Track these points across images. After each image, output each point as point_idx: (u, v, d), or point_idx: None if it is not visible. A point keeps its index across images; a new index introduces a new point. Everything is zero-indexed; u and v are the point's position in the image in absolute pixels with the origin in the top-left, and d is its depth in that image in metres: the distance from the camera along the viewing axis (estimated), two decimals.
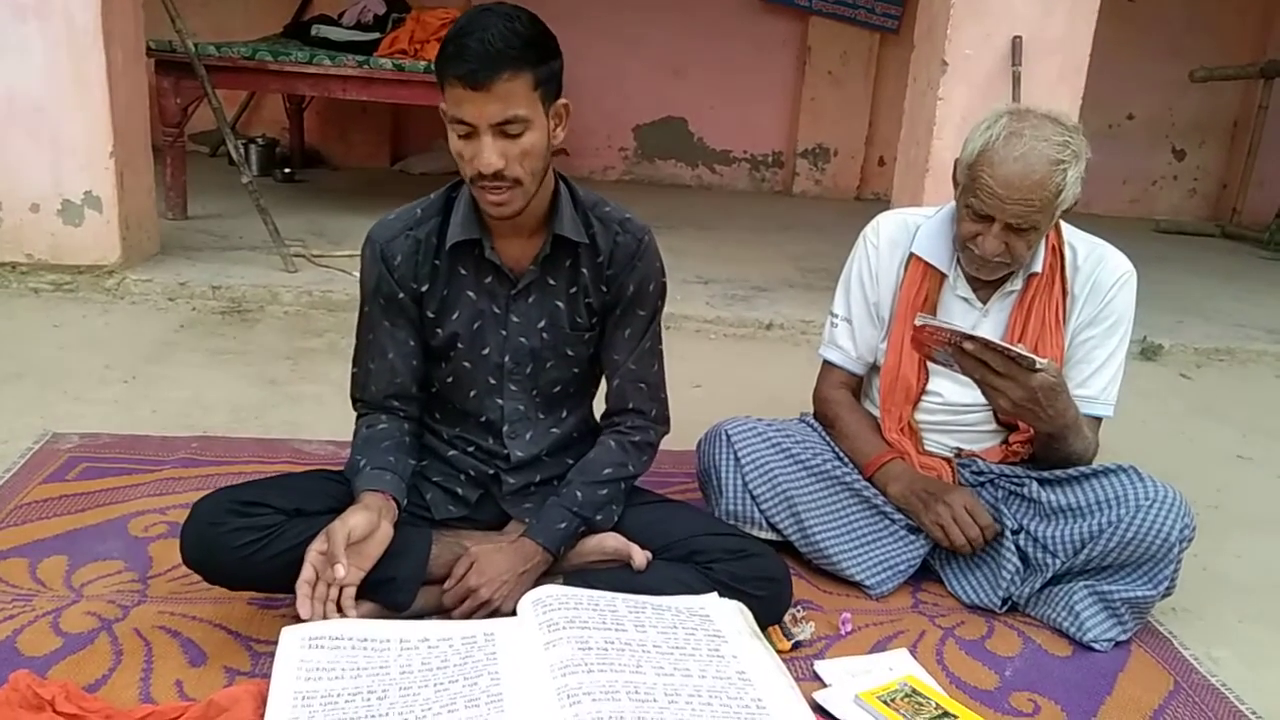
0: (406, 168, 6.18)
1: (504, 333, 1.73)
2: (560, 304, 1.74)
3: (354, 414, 1.83)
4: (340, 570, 1.51)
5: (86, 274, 3.47)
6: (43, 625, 1.63)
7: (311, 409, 2.66)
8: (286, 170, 5.59)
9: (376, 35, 4.86)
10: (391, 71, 4.38)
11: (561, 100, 1.59)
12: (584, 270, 1.73)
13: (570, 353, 1.78)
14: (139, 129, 3.62)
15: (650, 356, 1.82)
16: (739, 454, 1.96)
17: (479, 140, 1.52)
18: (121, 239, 3.49)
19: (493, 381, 1.76)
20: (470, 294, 1.72)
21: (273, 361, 3.00)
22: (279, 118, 6.07)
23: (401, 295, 1.71)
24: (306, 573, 1.51)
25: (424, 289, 1.71)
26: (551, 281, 1.73)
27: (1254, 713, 1.68)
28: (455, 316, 1.72)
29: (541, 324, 1.74)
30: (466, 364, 1.75)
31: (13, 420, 2.42)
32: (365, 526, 1.56)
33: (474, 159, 1.53)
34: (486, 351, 1.74)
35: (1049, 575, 1.87)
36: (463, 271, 1.71)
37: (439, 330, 1.73)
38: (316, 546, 1.53)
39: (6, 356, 2.85)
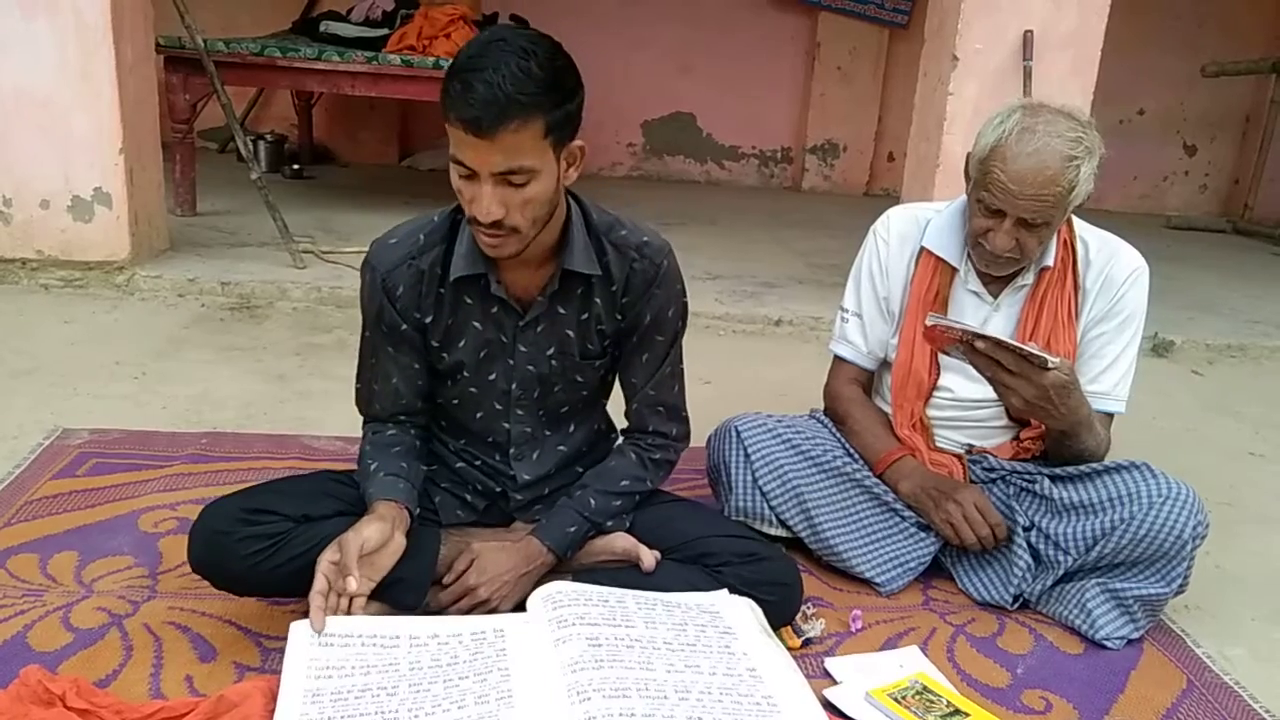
0: (415, 164, 6.19)
1: (511, 361, 1.69)
2: (570, 332, 1.68)
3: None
4: (353, 584, 1.49)
5: (96, 270, 3.48)
6: (53, 621, 1.63)
7: (321, 405, 2.66)
8: (295, 166, 5.60)
9: (385, 31, 4.85)
10: (400, 67, 4.38)
11: (577, 142, 1.49)
12: (596, 299, 1.66)
13: (580, 379, 1.74)
14: (148, 125, 3.63)
15: (670, 380, 1.77)
16: (749, 450, 1.95)
17: (478, 186, 1.43)
18: (131, 235, 3.49)
19: (499, 407, 1.73)
20: (476, 324, 1.66)
21: (282, 357, 3.00)
22: (287, 114, 6.08)
23: (404, 326, 1.65)
24: (319, 584, 1.49)
25: (428, 320, 1.65)
26: (561, 310, 1.66)
27: (1268, 711, 1.67)
28: (461, 345, 1.67)
29: (550, 351, 1.69)
30: (473, 389, 1.72)
31: (23, 416, 2.42)
32: (379, 538, 1.53)
33: (473, 202, 1.44)
34: (493, 378, 1.70)
35: (1061, 572, 1.86)
36: (468, 301, 1.65)
37: (444, 356, 1.69)
38: (329, 557, 1.50)
39: (17, 352, 2.85)
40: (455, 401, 1.75)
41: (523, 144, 1.40)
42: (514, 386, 1.71)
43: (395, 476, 1.65)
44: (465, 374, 1.70)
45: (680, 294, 1.73)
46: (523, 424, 1.75)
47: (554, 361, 1.70)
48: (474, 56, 1.39)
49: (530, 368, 1.69)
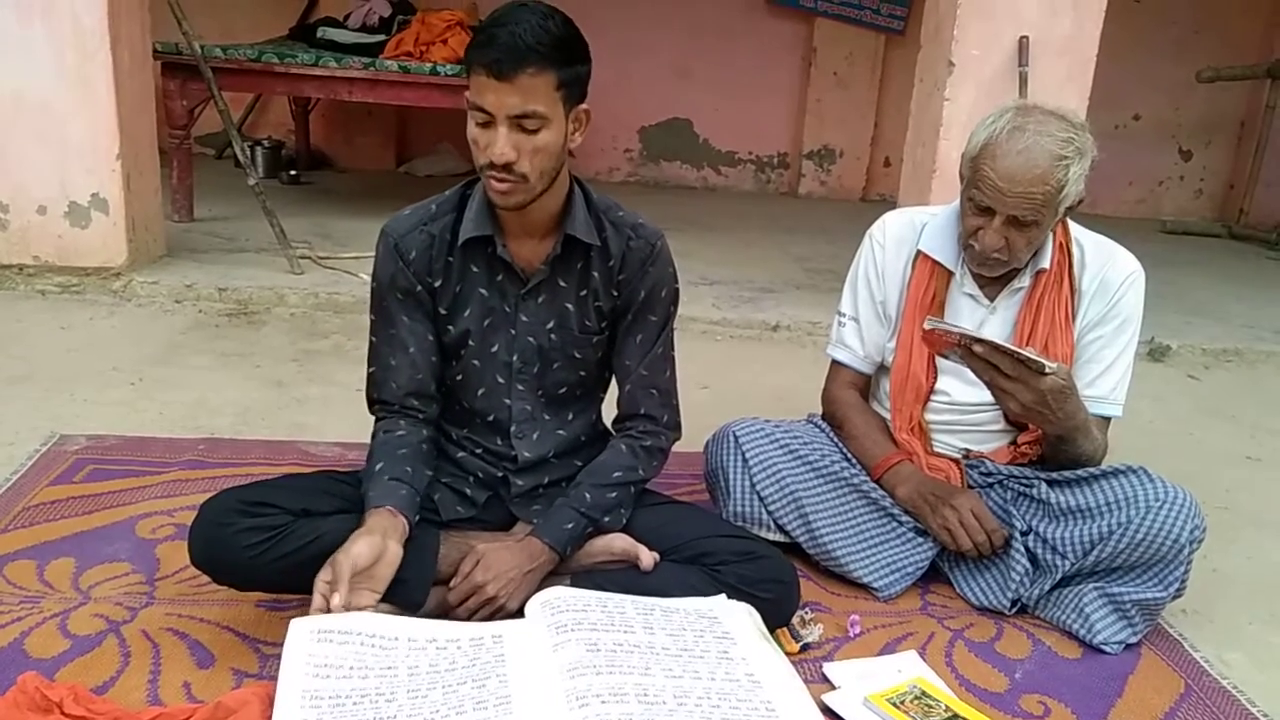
0: (412, 170, 6.19)
1: (513, 331, 1.74)
2: (570, 306, 1.74)
3: (369, 417, 1.81)
4: (337, 599, 1.49)
5: (93, 276, 3.48)
6: (50, 627, 1.63)
7: (318, 411, 2.66)
8: (292, 172, 5.60)
9: (382, 37, 4.86)
10: (397, 73, 4.38)
11: (583, 106, 1.61)
12: (595, 273, 1.73)
13: (577, 355, 1.78)
14: (145, 131, 3.63)
15: (662, 362, 1.81)
16: (747, 455, 1.95)
17: (494, 130, 1.53)
18: (128, 241, 3.49)
19: (500, 380, 1.77)
20: (482, 291, 1.72)
21: (279, 363, 3.00)
22: (285, 120, 6.08)
23: (419, 288, 1.71)
24: (317, 601, 1.51)
25: (437, 284, 1.72)
26: (562, 283, 1.73)
27: (1265, 715, 1.67)
28: (467, 313, 1.73)
29: (550, 324, 1.74)
30: (476, 362, 1.76)
31: (20, 422, 2.42)
32: (370, 553, 1.54)
33: (487, 147, 1.54)
34: (495, 349, 1.75)
35: (1058, 577, 1.86)
36: (474, 269, 1.71)
37: (451, 327, 1.74)
38: (323, 576, 1.52)
39: (14, 358, 2.85)
40: (459, 378, 1.78)
41: (537, 89, 1.51)
42: (515, 358, 1.75)
43: (397, 481, 1.66)
44: (471, 343, 1.74)
45: (673, 277, 1.80)
46: (523, 401, 1.78)
47: (553, 335, 1.74)
48: (499, 15, 1.53)
49: (530, 339, 1.74)
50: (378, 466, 1.69)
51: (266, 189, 3.95)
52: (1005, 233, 1.79)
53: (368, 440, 1.77)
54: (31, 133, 3.34)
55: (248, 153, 4.08)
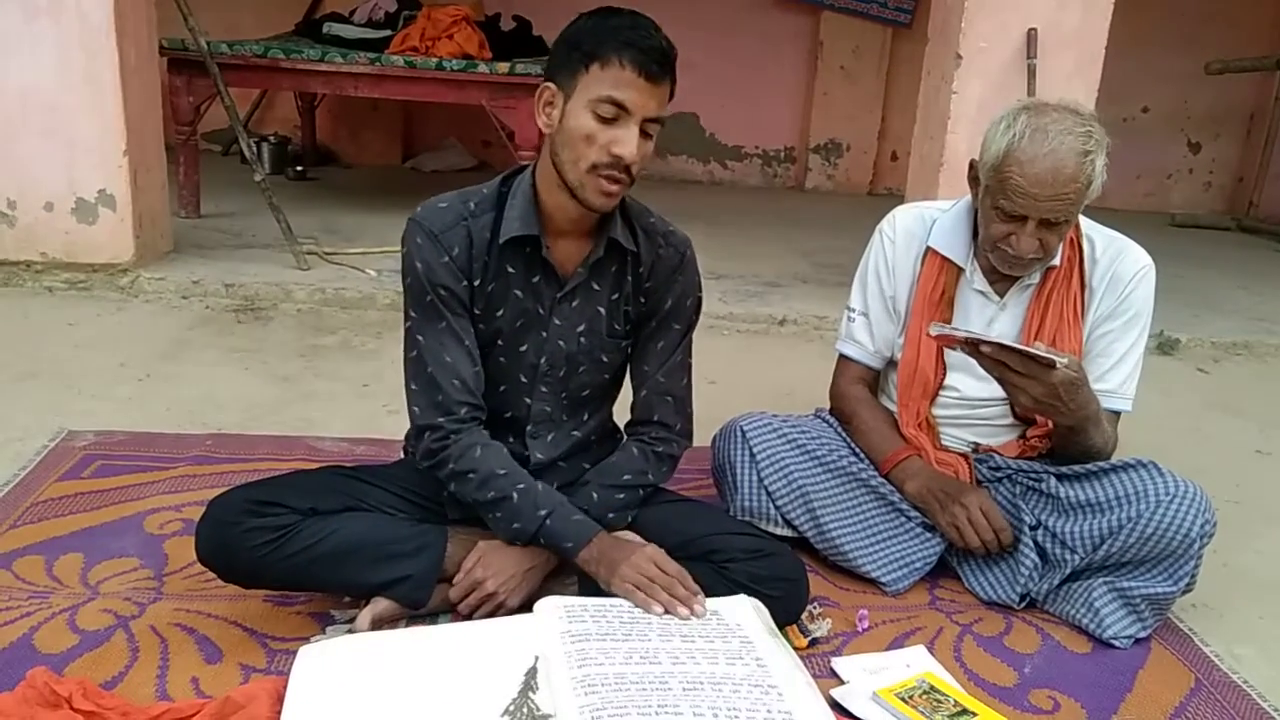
0: (418, 165, 6.19)
1: (544, 334, 1.71)
2: (601, 309, 1.73)
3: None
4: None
5: (100, 272, 3.48)
6: (59, 623, 1.63)
7: (325, 406, 2.65)
8: (299, 168, 5.60)
9: (388, 33, 4.84)
10: (403, 69, 4.37)
11: None
12: (628, 278, 1.73)
13: (604, 359, 1.77)
14: (152, 127, 3.63)
15: (680, 371, 1.81)
16: (754, 450, 1.94)
17: (626, 129, 1.53)
18: (135, 237, 3.50)
19: (524, 380, 1.75)
20: (517, 293, 1.69)
21: (286, 359, 3.00)
22: (291, 116, 6.08)
23: (464, 283, 1.66)
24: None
25: (476, 283, 1.68)
26: (596, 286, 1.72)
27: (1276, 710, 1.67)
28: (500, 314, 1.69)
29: (580, 328, 1.73)
30: (502, 359, 1.73)
31: (28, 418, 2.42)
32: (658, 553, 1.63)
33: (612, 144, 1.53)
34: (524, 350, 1.72)
35: (1068, 571, 1.85)
36: (511, 270, 1.68)
37: (482, 326, 1.70)
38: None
39: (21, 355, 2.86)
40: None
41: (666, 98, 1.58)
42: (543, 361, 1.73)
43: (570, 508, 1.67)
44: (500, 343, 1.72)
45: (697, 286, 1.80)
46: (544, 403, 1.77)
47: (583, 339, 1.73)
48: (630, 19, 1.55)
49: (561, 343, 1.72)
50: (541, 485, 1.66)
51: (272, 185, 3.95)
52: (1039, 235, 1.78)
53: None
54: (38, 129, 3.34)
55: (254, 149, 4.08)
